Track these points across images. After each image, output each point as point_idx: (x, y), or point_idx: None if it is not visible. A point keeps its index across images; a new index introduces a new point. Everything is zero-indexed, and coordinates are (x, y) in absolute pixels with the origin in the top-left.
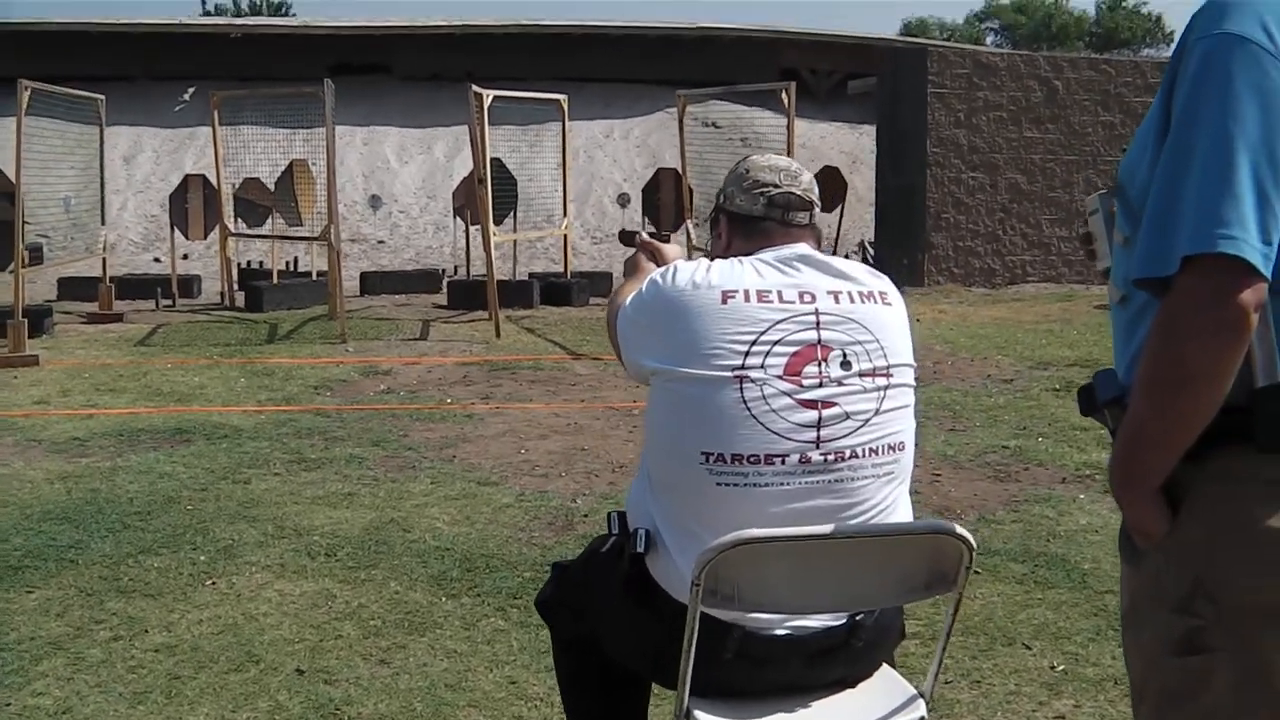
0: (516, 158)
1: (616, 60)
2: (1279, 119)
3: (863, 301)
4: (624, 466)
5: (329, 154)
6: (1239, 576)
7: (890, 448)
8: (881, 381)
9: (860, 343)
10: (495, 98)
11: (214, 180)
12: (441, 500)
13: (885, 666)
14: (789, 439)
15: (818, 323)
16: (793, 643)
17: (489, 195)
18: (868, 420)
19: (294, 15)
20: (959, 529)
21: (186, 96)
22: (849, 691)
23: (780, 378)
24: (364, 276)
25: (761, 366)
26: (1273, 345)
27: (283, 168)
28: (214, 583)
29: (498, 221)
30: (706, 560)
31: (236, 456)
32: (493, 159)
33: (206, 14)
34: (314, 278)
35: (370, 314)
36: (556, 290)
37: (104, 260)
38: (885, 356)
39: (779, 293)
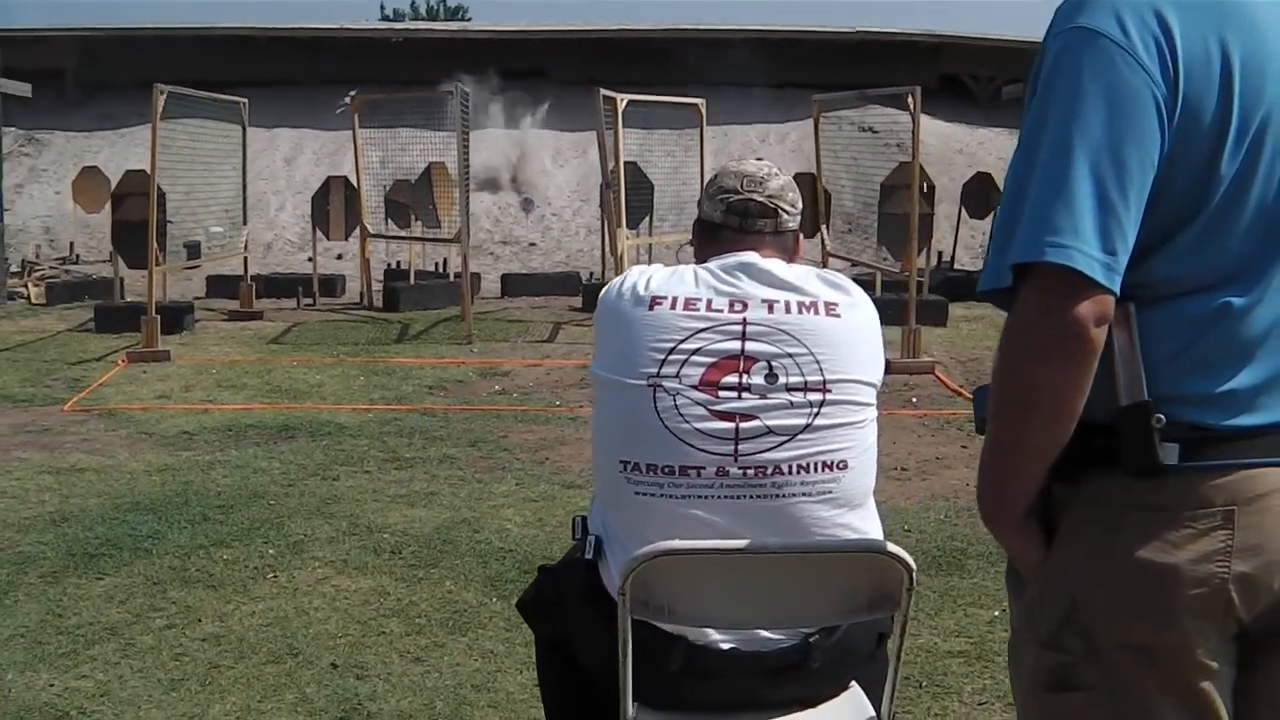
0: (658, 162)
1: (774, 64)
2: (1128, 118)
3: (801, 312)
4: None
5: (460, 156)
6: (1109, 611)
7: (825, 465)
8: (815, 397)
9: (790, 355)
10: (630, 102)
11: (355, 182)
12: (519, 502)
13: (855, 687)
14: (703, 451)
15: (743, 333)
16: (742, 658)
17: (622, 199)
18: (795, 435)
19: (469, 19)
20: (894, 548)
21: (347, 100)
22: (807, 712)
23: (695, 388)
24: (505, 278)
25: (676, 376)
26: (1138, 362)
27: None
28: (275, 576)
29: (633, 225)
30: (629, 570)
31: (333, 454)
32: (627, 163)
33: (384, 19)
34: (452, 279)
35: (505, 315)
36: None
37: (245, 259)
38: (821, 370)
39: (708, 301)
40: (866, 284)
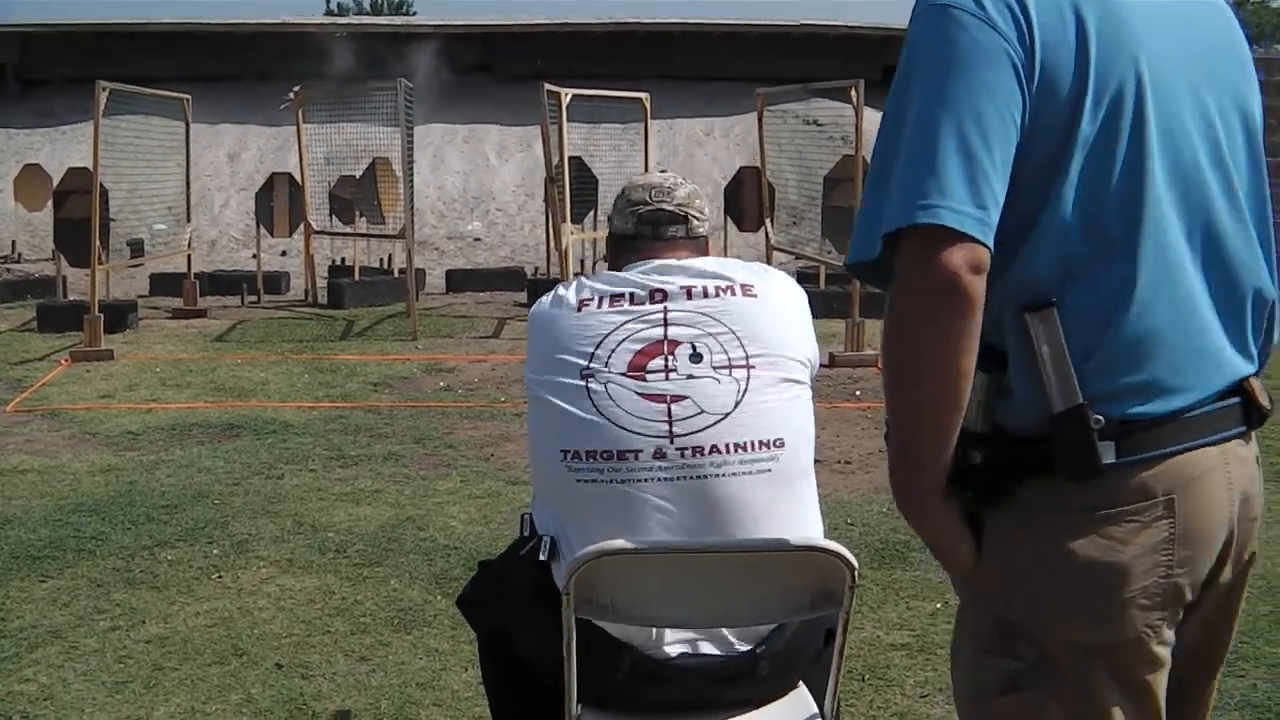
0: (604, 156)
1: (718, 58)
2: (987, 80)
3: (719, 295)
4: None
5: (404, 152)
6: (1059, 615)
7: (762, 443)
8: (740, 374)
9: (712, 335)
10: (574, 96)
11: (299, 178)
12: (464, 499)
13: (801, 686)
14: (639, 434)
15: (665, 320)
16: (689, 667)
17: (567, 194)
18: (727, 414)
19: (414, 14)
20: (836, 547)
21: (291, 96)
22: (755, 712)
23: (624, 374)
24: (449, 274)
25: (605, 365)
26: (1068, 366)
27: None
28: (220, 576)
29: (577, 220)
30: (573, 570)
31: (277, 452)
32: (572, 157)
33: (329, 13)
34: (397, 275)
35: (450, 311)
36: None
37: (189, 257)
38: (743, 347)
39: (630, 294)
40: (810, 277)
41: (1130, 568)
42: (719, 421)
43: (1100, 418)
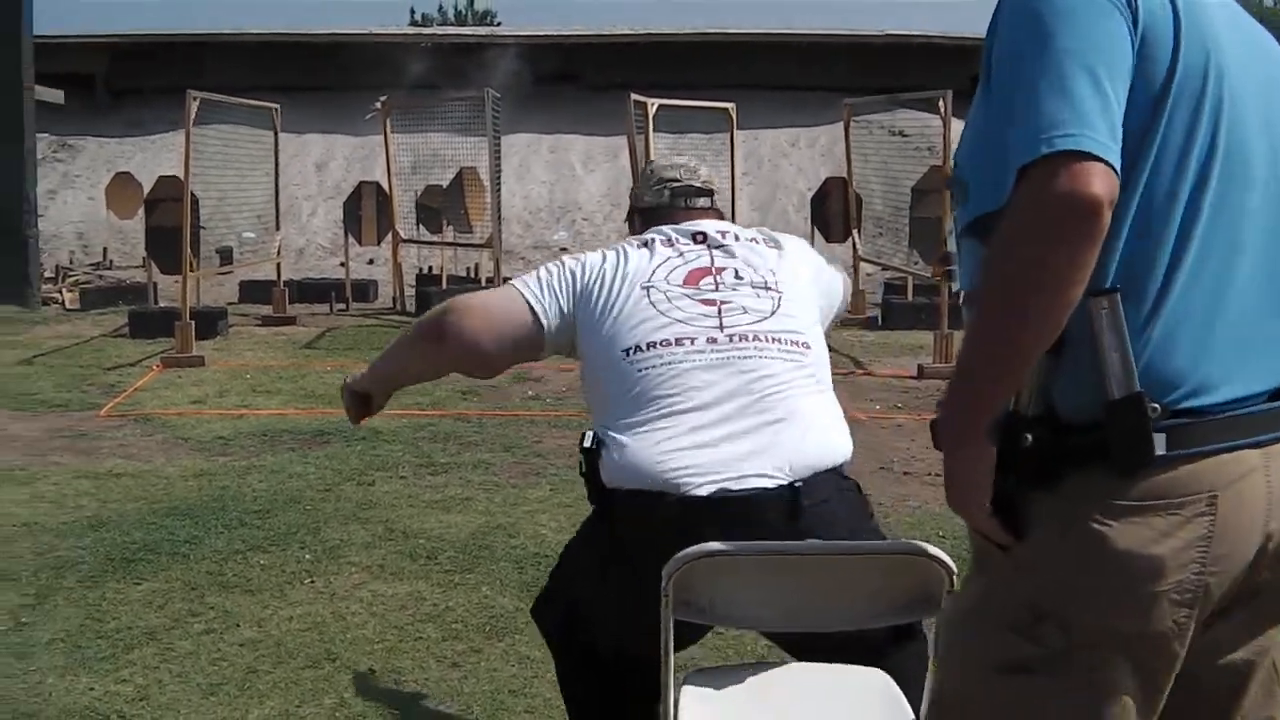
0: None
1: (802, 68)
2: (1101, 25)
3: (750, 242)
4: None
5: (490, 161)
6: (1090, 603)
7: (794, 341)
8: (775, 295)
9: (751, 265)
10: (660, 106)
11: (386, 187)
12: (554, 507)
13: (885, 676)
14: (693, 325)
15: (710, 254)
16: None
17: None
18: (765, 317)
19: (499, 24)
20: (933, 550)
21: (378, 105)
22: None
23: (680, 286)
24: None
25: (666, 279)
26: (1129, 353)
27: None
28: (312, 581)
29: None
30: (672, 571)
31: (368, 459)
32: None
33: (414, 24)
34: (483, 283)
35: None
36: None
37: (278, 265)
38: (775, 279)
39: (673, 238)
40: (898, 288)
41: (1168, 561)
42: (760, 320)
43: (1158, 407)
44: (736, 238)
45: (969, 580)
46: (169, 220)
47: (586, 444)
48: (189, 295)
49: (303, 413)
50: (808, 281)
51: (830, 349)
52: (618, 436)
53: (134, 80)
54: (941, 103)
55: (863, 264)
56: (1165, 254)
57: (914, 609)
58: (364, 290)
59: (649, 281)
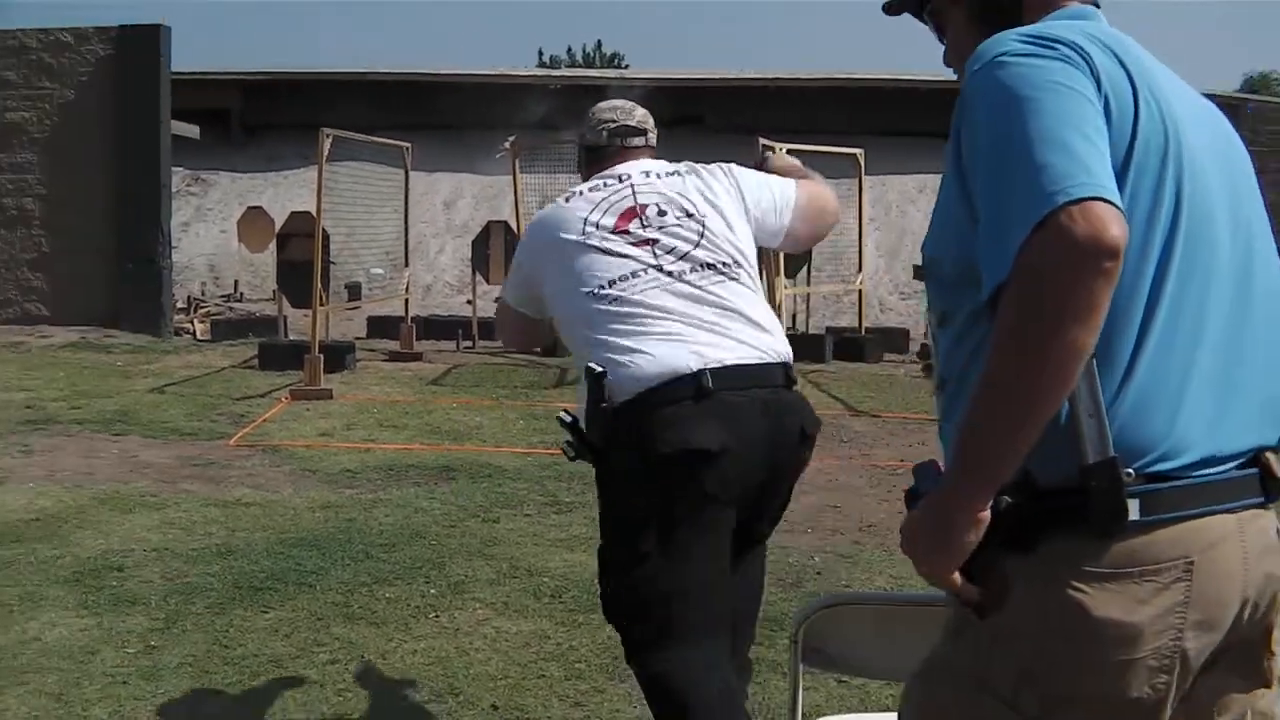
0: None
1: (928, 113)
2: (1072, 94)
3: (668, 176)
4: (872, 526)
5: None
6: (1069, 671)
7: (724, 263)
8: (698, 223)
9: (670, 200)
10: (789, 150)
11: (514, 226)
12: None
13: None
14: (638, 260)
15: (633, 192)
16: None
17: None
18: (694, 246)
19: (626, 67)
20: None
21: (506, 145)
22: None
23: (612, 231)
24: None
25: (597, 225)
26: (1103, 416)
27: None
28: (436, 616)
29: (790, 275)
30: (802, 618)
31: (493, 496)
32: None
33: (542, 65)
34: None
35: None
36: (849, 345)
37: (405, 301)
38: (694, 205)
39: (602, 182)
40: None
41: (1144, 628)
42: (691, 249)
43: (1131, 471)
44: (660, 174)
45: (946, 642)
46: (299, 255)
47: (597, 370)
48: (318, 329)
49: (428, 448)
50: (730, 198)
51: None
52: (619, 356)
53: (267, 116)
54: None
55: None
56: (1137, 318)
57: None
58: (491, 328)
59: (583, 233)
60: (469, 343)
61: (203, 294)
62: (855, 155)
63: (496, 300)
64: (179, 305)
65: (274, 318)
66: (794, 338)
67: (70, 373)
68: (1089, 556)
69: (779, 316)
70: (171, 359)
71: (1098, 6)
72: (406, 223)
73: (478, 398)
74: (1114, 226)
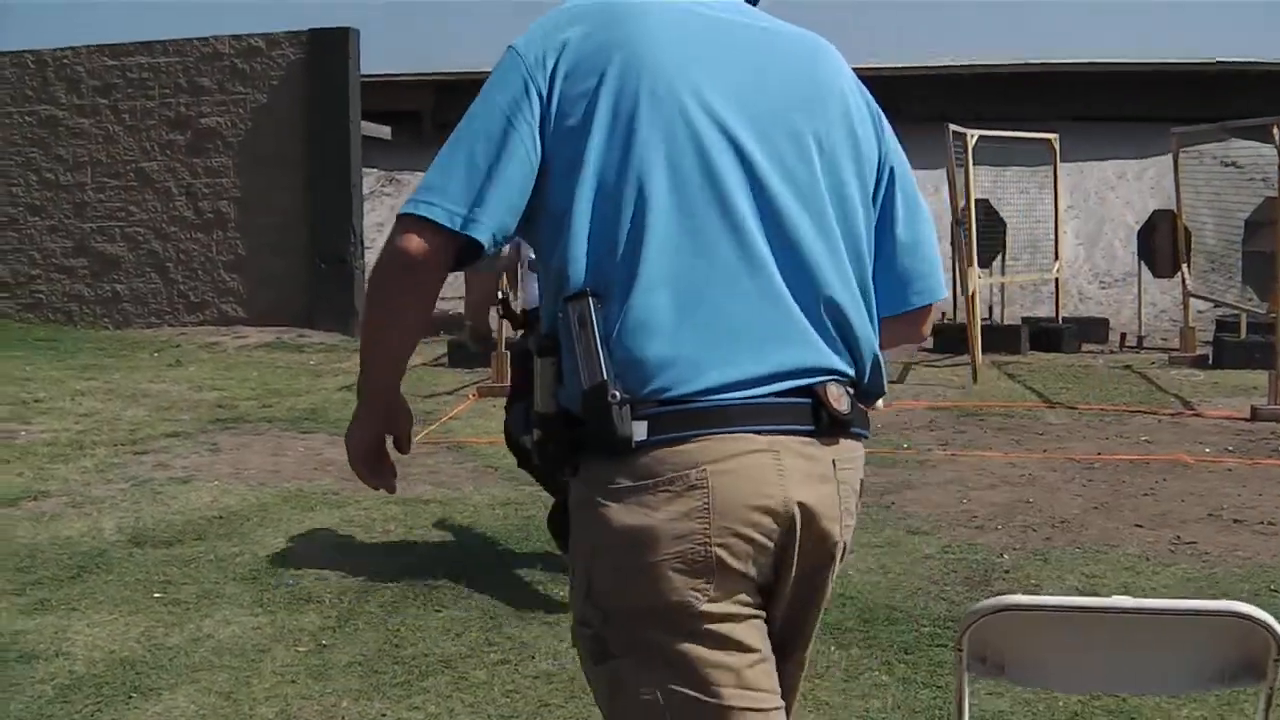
0: (1011, 200)
1: (1129, 98)
2: (507, 110)
3: None
4: (1065, 522)
5: None
6: (609, 581)
7: None
8: None
9: None
10: (980, 137)
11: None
12: (862, 547)
13: None
14: None
15: None
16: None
17: (973, 237)
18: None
19: None
20: (1256, 612)
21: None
22: None
23: None
24: None
25: None
26: (595, 346)
27: None
28: None
29: (984, 264)
30: (968, 624)
31: None
32: (979, 200)
33: None
34: None
35: None
36: (1046, 336)
37: None
38: None
39: None
40: (1230, 325)
41: (660, 532)
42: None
43: (616, 393)
44: None
45: None
46: None
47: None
48: (503, 328)
49: None
50: None
51: (1158, 388)
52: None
53: (459, 115)
54: (1276, 131)
55: (1192, 300)
56: (628, 260)
57: (1236, 677)
58: None
59: None
60: None
61: None
62: (1050, 140)
63: None
64: None
65: (460, 316)
66: (989, 328)
67: (263, 372)
68: (612, 475)
69: (971, 307)
70: None
71: None
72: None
73: None
74: (416, 242)
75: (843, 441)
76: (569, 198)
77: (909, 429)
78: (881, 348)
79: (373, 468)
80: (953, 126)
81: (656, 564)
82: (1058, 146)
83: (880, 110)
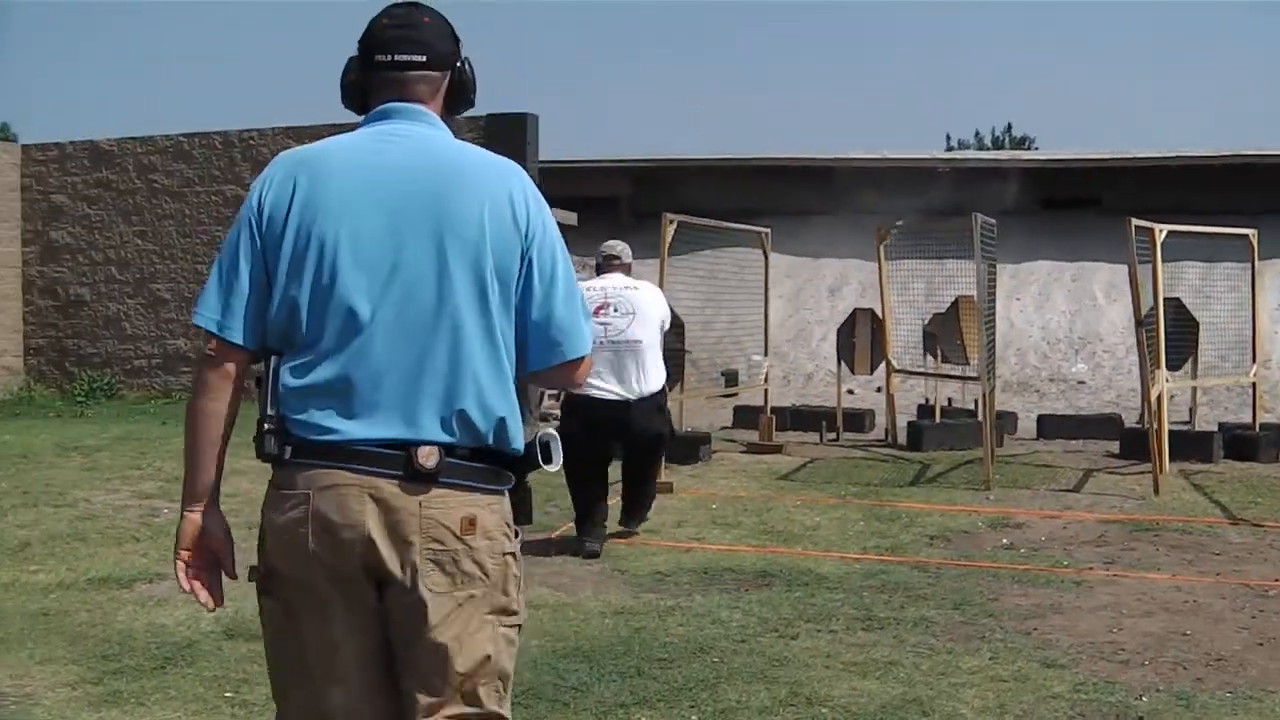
0: (1220, 295)
1: None
2: (242, 237)
3: (626, 290)
4: (1221, 660)
5: (980, 289)
6: (264, 552)
7: (637, 339)
8: (631, 316)
9: (622, 299)
10: (1169, 232)
11: (880, 313)
12: (986, 680)
13: None
14: (597, 334)
15: (606, 298)
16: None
17: (1160, 337)
18: (625, 329)
19: (1036, 149)
20: None
21: (900, 223)
22: None
23: (594, 315)
24: (1041, 418)
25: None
26: (267, 389)
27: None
28: None
29: (1174, 367)
30: None
31: (801, 607)
32: (1169, 299)
33: (949, 149)
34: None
35: (1033, 460)
36: (1240, 443)
37: (765, 391)
38: (633, 309)
39: (592, 287)
40: None
41: (281, 526)
42: (624, 330)
43: (267, 425)
44: (621, 289)
45: None
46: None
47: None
48: (684, 419)
49: (753, 550)
50: (651, 309)
51: None
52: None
53: (654, 203)
54: None
55: None
56: (305, 335)
57: None
58: (859, 420)
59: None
60: (833, 435)
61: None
62: (1249, 236)
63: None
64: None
65: None
66: (1181, 435)
67: None
68: (276, 479)
69: (1158, 412)
70: None
71: (407, 102)
72: (766, 310)
73: (825, 495)
74: (208, 347)
75: (434, 490)
76: (278, 295)
77: (1074, 543)
78: (548, 386)
79: (189, 568)
80: (1136, 221)
81: (280, 546)
82: (1255, 242)
83: (533, 214)
